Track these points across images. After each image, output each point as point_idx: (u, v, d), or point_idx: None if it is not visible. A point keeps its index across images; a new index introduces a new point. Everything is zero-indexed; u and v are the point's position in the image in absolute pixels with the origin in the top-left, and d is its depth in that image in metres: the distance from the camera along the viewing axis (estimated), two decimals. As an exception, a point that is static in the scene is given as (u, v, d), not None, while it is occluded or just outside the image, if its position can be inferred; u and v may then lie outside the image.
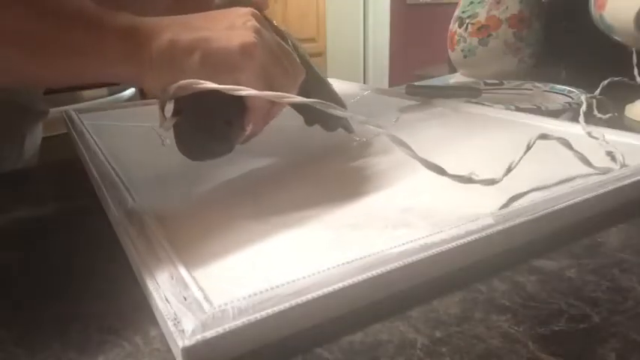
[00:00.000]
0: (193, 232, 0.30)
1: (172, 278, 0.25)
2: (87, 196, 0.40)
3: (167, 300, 0.23)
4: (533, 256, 0.30)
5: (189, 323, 0.21)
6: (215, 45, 0.31)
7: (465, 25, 0.95)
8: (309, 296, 0.23)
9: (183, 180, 0.40)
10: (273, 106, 0.35)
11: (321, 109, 0.31)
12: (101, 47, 0.30)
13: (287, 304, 0.23)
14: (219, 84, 0.30)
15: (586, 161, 0.38)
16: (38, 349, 0.23)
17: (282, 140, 0.50)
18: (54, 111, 0.61)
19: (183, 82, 0.30)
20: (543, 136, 0.37)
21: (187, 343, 0.20)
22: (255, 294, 0.23)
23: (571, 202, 0.33)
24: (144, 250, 0.28)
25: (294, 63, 0.35)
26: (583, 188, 0.34)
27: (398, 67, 3.12)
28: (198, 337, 0.21)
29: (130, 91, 1.94)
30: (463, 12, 0.96)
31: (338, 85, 0.88)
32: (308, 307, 0.23)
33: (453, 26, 0.98)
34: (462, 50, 0.95)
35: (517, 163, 0.35)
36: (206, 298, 0.23)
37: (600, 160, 0.41)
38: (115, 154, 0.45)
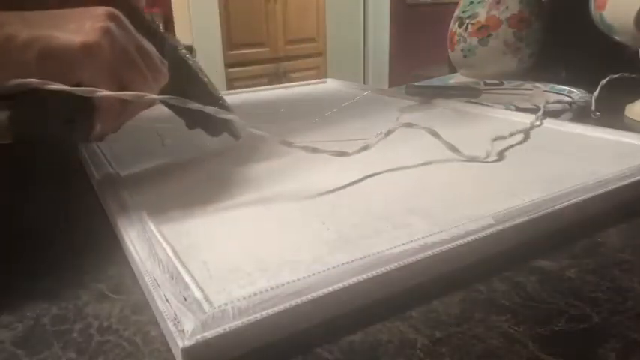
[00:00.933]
0: (193, 231, 0.30)
1: (172, 278, 0.25)
2: (87, 196, 0.40)
3: (167, 300, 0.23)
4: (533, 256, 0.30)
5: (189, 323, 0.21)
6: (55, 42, 0.30)
7: (465, 25, 0.95)
8: (309, 296, 0.23)
9: (184, 180, 0.40)
10: (127, 105, 0.35)
11: (201, 113, 0.33)
12: None
13: (287, 304, 0.23)
14: (60, 82, 0.30)
15: (454, 149, 0.43)
16: (38, 349, 0.23)
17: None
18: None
19: (23, 80, 0.29)
20: (408, 125, 0.43)
21: (187, 343, 0.20)
22: (255, 294, 0.23)
23: (571, 202, 0.33)
24: (144, 250, 0.28)
25: (153, 66, 0.36)
26: (583, 188, 0.34)
27: (398, 67, 3.12)
28: (198, 337, 0.21)
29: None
30: (463, 12, 0.96)
31: (338, 85, 0.88)
32: (308, 307, 0.23)
33: (453, 26, 0.98)
34: (462, 50, 0.95)
35: (375, 144, 0.41)
36: (206, 298, 0.23)
37: (605, 160, 0.41)
38: (115, 154, 0.45)
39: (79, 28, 0.31)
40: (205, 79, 0.44)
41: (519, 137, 0.49)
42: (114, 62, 0.32)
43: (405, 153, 0.45)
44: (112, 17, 0.33)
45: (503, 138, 0.48)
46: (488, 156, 0.43)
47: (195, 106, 0.34)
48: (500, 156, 0.44)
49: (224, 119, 0.36)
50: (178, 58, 0.42)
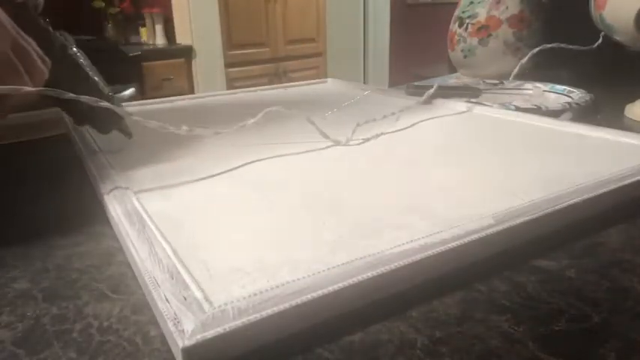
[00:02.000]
0: (194, 231, 0.30)
1: (172, 278, 0.25)
2: (87, 195, 0.40)
3: (167, 300, 0.23)
4: (533, 256, 0.30)
5: (189, 323, 0.21)
6: None
7: (465, 25, 0.95)
8: (309, 296, 0.23)
9: (184, 179, 0.40)
10: (2, 100, 0.35)
11: (90, 110, 0.36)
12: None
13: (287, 304, 0.23)
14: None
15: (325, 135, 0.48)
16: (38, 349, 0.23)
17: (281, 141, 0.50)
18: (54, 111, 0.61)
19: None
20: (277, 110, 0.46)
21: (187, 343, 0.20)
22: (255, 294, 0.23)
23: (571, 202, 0.33)
24: (144, 250, 0.28)
25: (30, 64, 0.36)
26: (583, 188, 0.34)
27: (398, 67, 3.12)
28: (198, 337, 0.21)
29: (130, 91, 1.95)
30: (463, 12, 0.96)
31: (338, 85, 0.88)
32: (308, 307, 0.23)
33: (453, 26, 0.98)
34: (462, 50, 0.95)
35: (246, 125, 0.44)
36: (206, 298, 0.23)
37: (605, 160, 0.41)
38: (115, 154, 0.45)
39: None
40: (96, 78, 0.45)
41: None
42: None
43: (405, 150, 0.45)
44: None
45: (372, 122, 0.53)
46: (347, 141, 0.48)
47: (70, 96, 0.35)
48: (365, 139, 0.49)
49: (115, 117, 0.39)
50: (68, 57, 0.43)
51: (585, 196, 0.34)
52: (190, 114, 0.67)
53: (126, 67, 2.14)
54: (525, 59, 0.74)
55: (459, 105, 0.63)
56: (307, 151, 0.46)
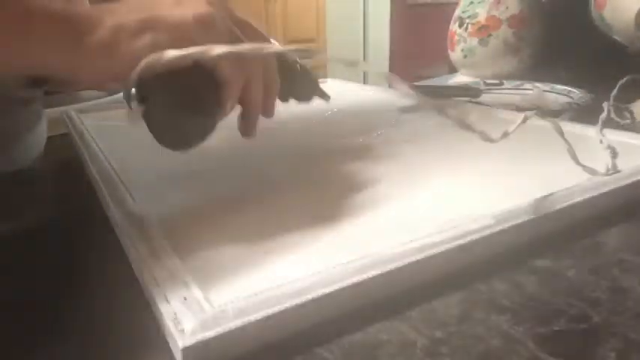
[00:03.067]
0: (193, 231, 0.31)
1: (172, 278, 0.25)
2: (87, 196, 0.40)
3: (167, 300, 0.23)
4: (533, 256, 0.30)
5: (189, 323, 0.21)
6: (165, 22, 0.29)
7: (465, 25, 0.95)
8: (309, 296, 0.23)
9: (184, 180, 0.40)
10: (251, 82, 0.33)
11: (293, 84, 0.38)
12: (31, 33, 0.27)
13: (287, 304, 0.23)
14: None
15: None
16: (38, 349, 0.23)
17: (282, 141, 0.50)
18: (54, 111, 0.61)
19: (144, 61, 0.27)
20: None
21: (187, 343, 0.20)
22: (255, 294, 0.23)
23: (571, 202, 0.33)
24: (144, 250, 0.28)
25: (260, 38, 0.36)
26: (583, 188, 0.34)
27: (398, 67, 3.12)
28: (198, 337, 0.21)
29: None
30: (463, 12, 0.96)
31: (338, 85, 0.88)
32: (308, 307, 0.23)
33: (453, 26, 0.98)
34: (462, 50, 0.95)
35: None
36: (206, 298, 0.23)
37: (605, 160, 0.41)
38: (115, 154, 0.45)
39: (179, 4, 0.30)
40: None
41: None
42: (225, 32, 0.31)
43: (405, 150, 0.45)
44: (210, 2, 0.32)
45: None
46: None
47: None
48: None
49: (312, 85, 0.42)
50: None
51: (585, 196, 0.34)
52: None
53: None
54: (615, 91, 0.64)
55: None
56: (308, 152, 0.46)
